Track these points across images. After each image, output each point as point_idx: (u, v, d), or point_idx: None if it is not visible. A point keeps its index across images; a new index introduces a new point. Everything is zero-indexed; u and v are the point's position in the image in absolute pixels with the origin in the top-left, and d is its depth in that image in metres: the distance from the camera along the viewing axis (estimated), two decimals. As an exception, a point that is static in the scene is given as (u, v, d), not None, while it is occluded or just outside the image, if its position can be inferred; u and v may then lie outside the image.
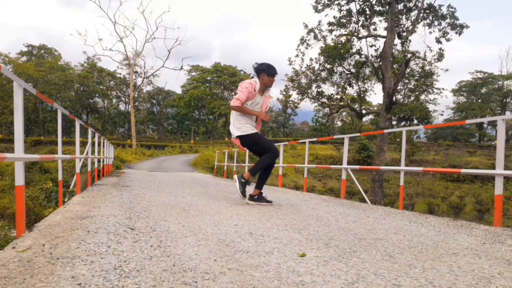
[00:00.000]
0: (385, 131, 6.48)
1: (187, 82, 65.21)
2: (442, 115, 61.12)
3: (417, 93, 19.22)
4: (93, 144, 7.23)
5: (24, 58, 57.98)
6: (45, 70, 52.88)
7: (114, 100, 66.65)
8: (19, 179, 2.59)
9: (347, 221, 3.45)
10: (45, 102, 59.70)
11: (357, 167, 6.04)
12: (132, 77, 44.57)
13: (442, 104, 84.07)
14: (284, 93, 27.39)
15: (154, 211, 3.63)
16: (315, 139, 7.21)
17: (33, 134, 56.30)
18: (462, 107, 58.48)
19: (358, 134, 6.11)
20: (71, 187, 6.29)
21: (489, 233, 3.04)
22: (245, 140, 4.40)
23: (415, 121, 57.44)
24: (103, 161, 9.83)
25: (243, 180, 4.42)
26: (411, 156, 29.79)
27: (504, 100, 55.03)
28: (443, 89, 40.92)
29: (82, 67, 59.81)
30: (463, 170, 4.00)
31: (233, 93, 66.33)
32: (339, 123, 68.50)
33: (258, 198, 4.47)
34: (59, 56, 60.38)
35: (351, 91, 20.75)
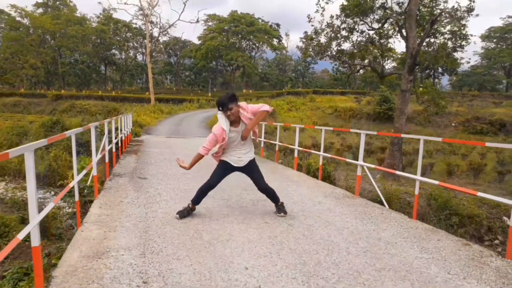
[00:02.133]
0: (402, 135, 6.31)
1: (204, 33, 63.79)
2: (468, 62, 58.55)
3: (448, 51, 18.21)
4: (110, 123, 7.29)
5: (40, 10, 57.39)
6: (62, 23, 52.39)
7: (131, 52, 66.23)
8: (35, 240, 2.66)
9: (357, 252, 3.48)
10: (63, 55, 59.83)
11: (373, 166, 5.92)
12: (148, 27, 43.87)
13: (469, 50, 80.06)
14: (303, 40, 26.50)
15: (168, 235, 3.73)
16: (331, 128, 7.08)
17: (54, 87, 57.06)
18: (490, 54, 55.80)
19: (374, 133, 5.93)
20: (88, 181, 6.44)
21: (499, 277, 3.02)
22: None
23: (440, 70, 55.36)
24: (122, 137, 9.92)
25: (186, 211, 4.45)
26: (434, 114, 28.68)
27: (536, 47, 52.11)
28: (472, 35, 38.54)
29: (98, 18, 59.11)
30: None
31: (250, 43, 64.53)
32: (361, 71, 66.45)
33: (278, 209, 4.64)
34: (74, 7, 59.48)
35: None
